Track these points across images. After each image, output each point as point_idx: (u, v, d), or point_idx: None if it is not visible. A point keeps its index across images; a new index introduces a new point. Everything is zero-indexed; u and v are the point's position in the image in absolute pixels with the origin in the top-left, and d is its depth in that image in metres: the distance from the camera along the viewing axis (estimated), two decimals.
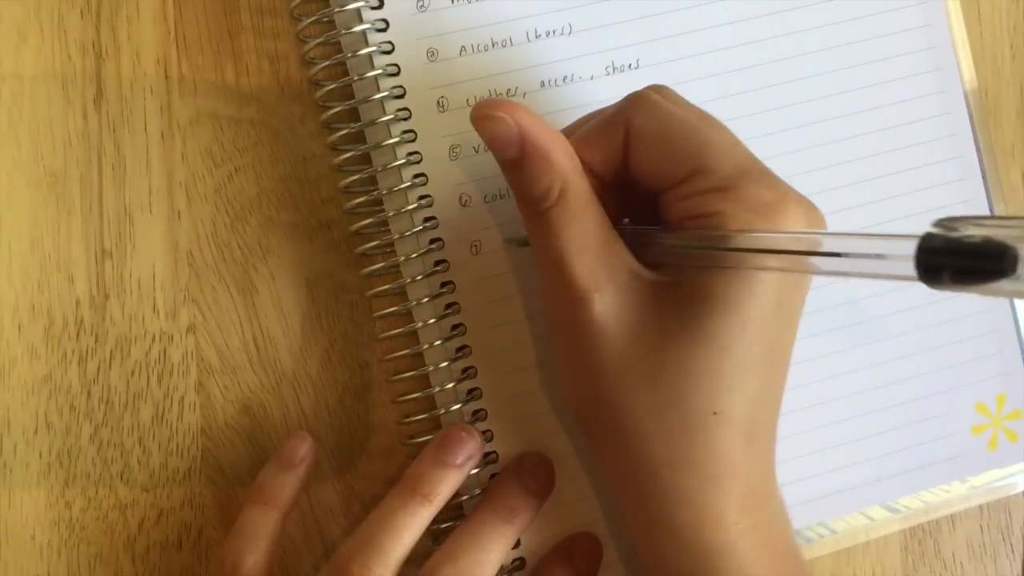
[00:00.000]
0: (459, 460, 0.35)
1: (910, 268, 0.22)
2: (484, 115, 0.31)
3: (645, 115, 0.31)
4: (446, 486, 0.35)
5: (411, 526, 0.34)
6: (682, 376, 0.30)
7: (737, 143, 0.32)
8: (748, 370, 0.30)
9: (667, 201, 0.31)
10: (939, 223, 0.22)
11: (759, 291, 0.30)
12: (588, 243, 0.31)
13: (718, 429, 0.30)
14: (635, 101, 0.32)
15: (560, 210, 0.31)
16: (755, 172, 0.30)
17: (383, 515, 0.34)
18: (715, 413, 0.30)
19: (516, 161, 0.31)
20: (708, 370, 0.30)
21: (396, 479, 0.36)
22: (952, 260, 0.22)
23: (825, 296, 0.40)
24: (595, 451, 0.35)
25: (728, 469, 0.31)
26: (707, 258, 0.30)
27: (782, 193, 0.30)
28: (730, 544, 0.31)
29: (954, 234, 0.22)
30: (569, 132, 0.34)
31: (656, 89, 0.33)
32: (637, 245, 0.32)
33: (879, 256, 0.24)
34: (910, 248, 0.22)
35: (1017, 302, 0.42)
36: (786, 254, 0.28)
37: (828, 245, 0.26)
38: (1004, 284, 0.21)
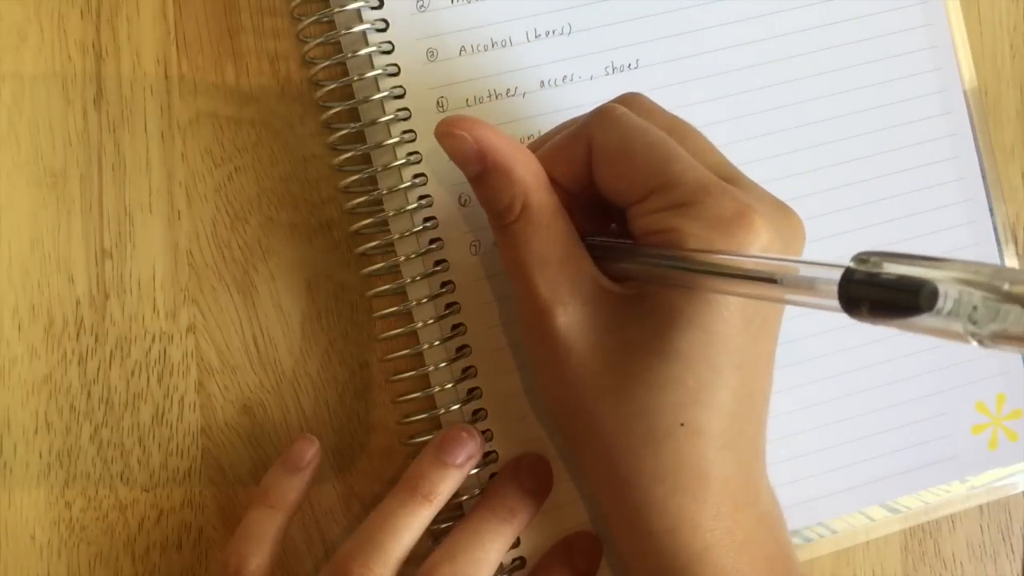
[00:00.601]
0: (459, 460, 0.35)
1: (835, 298, 0.22)
2: (445, 132, 0.32)
3: (606, 131, 0.31)
4: (446, 486, 0.35)
5: (411, 526, 0.34)
6: (646, 389, 0.30)
7: (706, 153, 0.32)
8: (715, 383, 0.30)
9: (631, 216, 0.31)
10: (861, 256, 0.22)
11: (721, 306, 0.29)
12: (551, 257, 0.31)
13: (687, 440, 0.30)
14: (599, 118, 0.32)
15: (522, 224, 0.31)
16: (717, 186, 0.30)
17: (383, 515, 0.34)
18: (682, 424, 0.30)
19: (479, 177, 0.32)
20: (672, 383, 0.30)
21: (396, 479, 0.36)
22: (871, 292, 0.22)
23: None
24: (575, 457, 0.36)
25: (700, 478, 0.30)
26: (662, 277, 0.30)
27: (744, 206, 0.29)
28: (707, 549, 0.31)
29: (875, 269, 0.22)
30: (541, 142, 0.34)
31: (626, 99, 0.33)
32: (605, 259, 0.32)
33: (810, 285, 0.24)
34: (836, 277, 0.22)
35: None
36: (727, 277, 0.27)
37: (767, 270, 0.26)
38: (923, 320, 0.21)
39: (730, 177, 0.31)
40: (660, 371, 0.30)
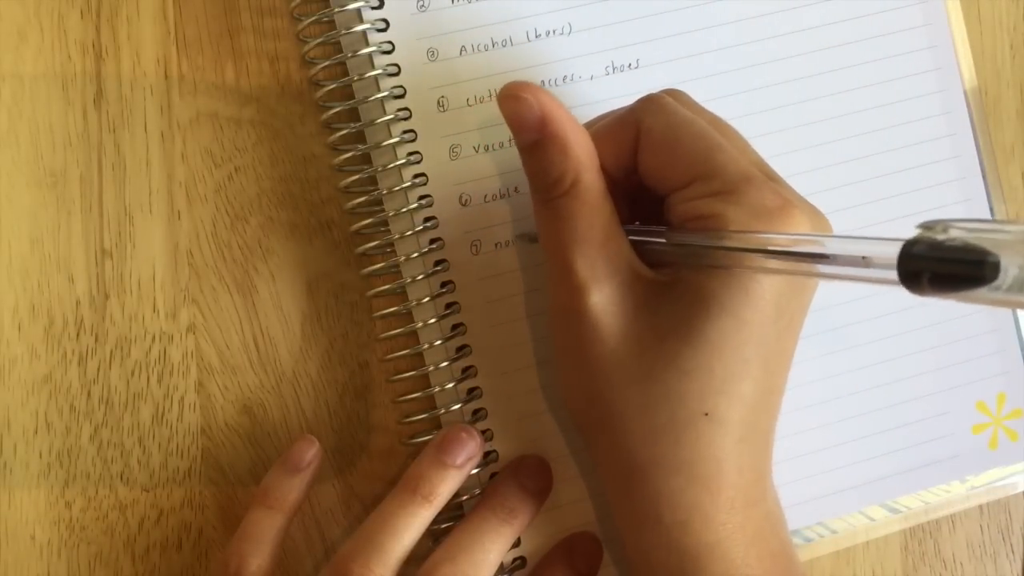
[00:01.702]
0: (459, 461, 0.35)
1: (893, 273, 0.22)
2: (510, 95, 0.31)
3: (655, 117, 0.32)
4: (446, 486, 0.35)
5: (411, 526, 0.34)
6: (673, 375, 0.30)
7: (746, 149, 0.32)
8: (741, 373, 0.30)
9: (671, 203, 0.31)
10: (926, 224, 0.22)
11: (756, 295, 0.30)
12: (593, 236, 0.31)
13: (708, 430, 0.30)
14: (647, 103, 0.32)
15: (569, 200, 0.31)
16: (760, 178, 0.30)
17: (383, 515, 0.34)
18: (706, 414, 0.30)
19: (534, 146, 0.31)
20: (699, 370, 0.30)
21: (396, 479, 0.36)
22: (932, 265, 0.21)
23: (826, 295, 0.40)
24: (588, 447, 0.35)
25: (716, 470, 0.31)
26: (702, 256, 0.30)
27: (785, 199, 0.30)
28: (719, 543, 0.31)
29: (939, 237, 0.21)
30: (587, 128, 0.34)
31: (671, 93, 0.33)
32: (641, 245, 0.32)
33: (864, 259, 0.24)
34: (894, 251, 0.22)
35: None
36: (775, 255, 0.28)
37: (817, 247, 0.26)
38: (983, 292, 0.20)
39: (768, 175, 0.31)
40: (688, 357, 0.30)
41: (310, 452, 0.36)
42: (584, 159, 0.31)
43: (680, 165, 0.31)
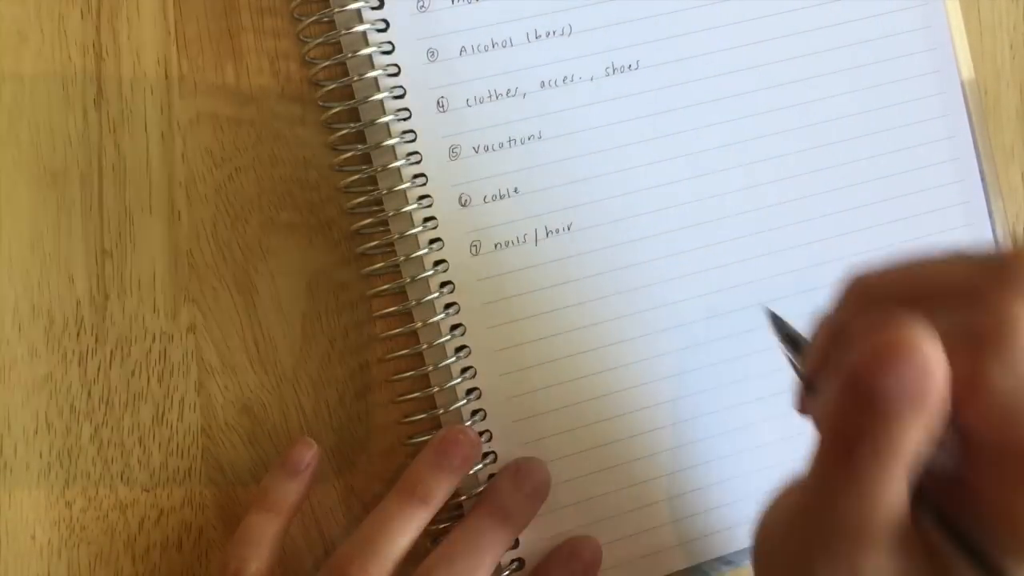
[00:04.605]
0: (456, 462, 0.35)
1: None
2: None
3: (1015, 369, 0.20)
4: (443, 488, 0.35)
5: (408, 528, 0.34)
6: None
7: None
8: None
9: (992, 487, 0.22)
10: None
11: None
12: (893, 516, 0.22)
13: None
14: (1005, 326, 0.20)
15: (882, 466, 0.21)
16: None
17: (380, 517, 0.35)
18: None
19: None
20: None
21: (396, 479, 0.36)
22: None
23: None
24: None
25: None
26: None
27: None
28: None
29: None
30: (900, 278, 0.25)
31: None
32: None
33: None
34: None
35: None
36: None
37: None
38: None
39: None
40: None
41: (308, 454, 0.36)
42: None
43: None
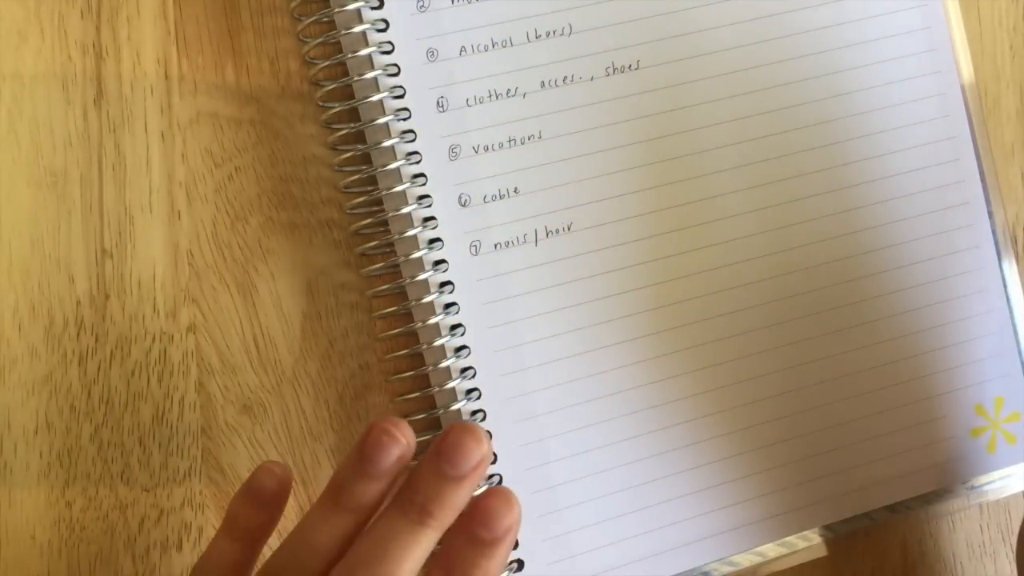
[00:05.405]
0: (383, 467, 0.30)
1: None
2: None
3: None
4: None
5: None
6: None
7: None
8: None
9: None
10: None
11: None
12: None
13: None
14: None
15: None
16: None
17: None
18: None
19: None
20: None
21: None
22: None
23: (833, 297, 0.40)
24: None
25: None
26: None
27: None
28: None
29: None
30: None
31: None
32: None
33: None
34: None
35: (1016, 305, 0.42)
36: None
37: None
38: None
39: None
40: None
41: (271, 482, 0.32)
42: None
43: None
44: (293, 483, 0.34)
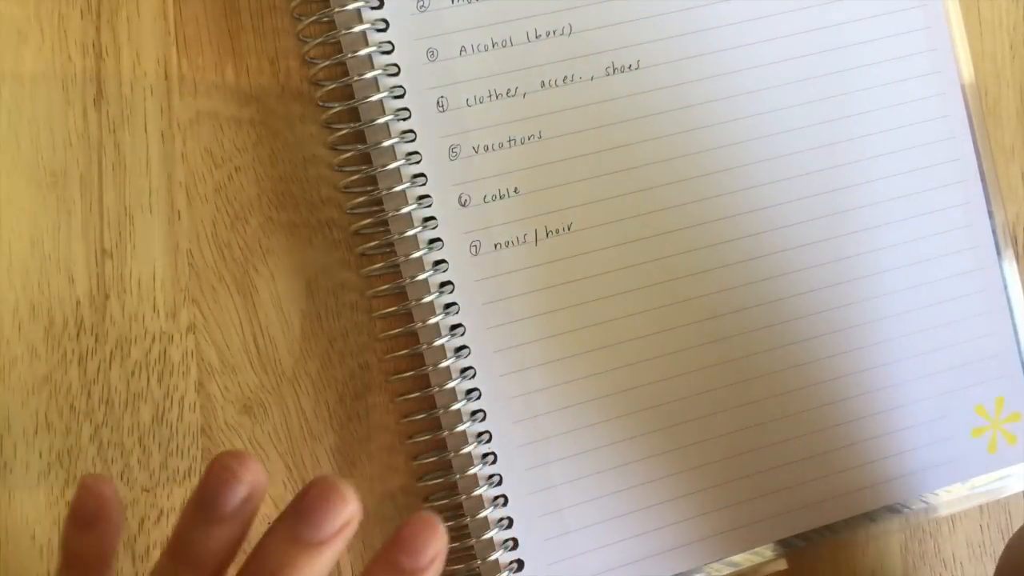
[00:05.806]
0: (228, 511, 0.25)
1: None
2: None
3: None
4: (221, 543, 0.26)
5: None
6: None
7: None
8: None
9: None
10: None
11: None
12: None
13: None
14: None
15: None
16: None
17: None
18: None
19: None
20: None
21: (396, 480, 0.36)
22: None
23: (832, 297, 0.40)
24: None
25: None
26: None
27: None
28: None
29: None
30: None
31: None
32: None
33: None
34: None
35: (1016, 305, 0.42)
36: None
37: None
38: None
39: None
40: None
41: (91, 501, 0.26)
42: None
43: None
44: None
